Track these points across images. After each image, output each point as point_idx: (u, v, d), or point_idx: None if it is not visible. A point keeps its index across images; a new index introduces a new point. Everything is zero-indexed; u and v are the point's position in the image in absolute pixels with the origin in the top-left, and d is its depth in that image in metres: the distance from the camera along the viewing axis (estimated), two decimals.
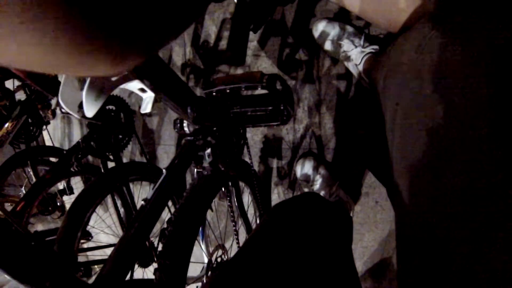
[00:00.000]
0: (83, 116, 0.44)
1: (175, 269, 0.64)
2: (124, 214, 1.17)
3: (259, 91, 0.53)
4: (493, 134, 0.31)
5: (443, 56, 0.37)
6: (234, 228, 0.76)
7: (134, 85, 0.55)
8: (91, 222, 1.52)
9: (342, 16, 1.00)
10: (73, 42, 0.14)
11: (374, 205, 1.06)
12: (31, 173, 1.50)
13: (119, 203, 1.20)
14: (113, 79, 0.43)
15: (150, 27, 0.19)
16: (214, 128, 0.62)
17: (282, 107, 0.54)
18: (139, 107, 1.43)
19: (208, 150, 0.64)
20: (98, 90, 0.40)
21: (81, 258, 1.64)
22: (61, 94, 0.44)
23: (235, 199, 0.87)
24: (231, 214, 0.75)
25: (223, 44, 1.22)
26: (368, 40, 0.95)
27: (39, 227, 2.38)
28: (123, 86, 0.53)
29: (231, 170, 0.75)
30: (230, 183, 0.82)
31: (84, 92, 0.39)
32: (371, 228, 1.07)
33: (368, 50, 0.95)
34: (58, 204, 1.57)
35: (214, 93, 0.53)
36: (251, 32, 1.16)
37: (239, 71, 1.20)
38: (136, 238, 0.57)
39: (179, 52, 1.34)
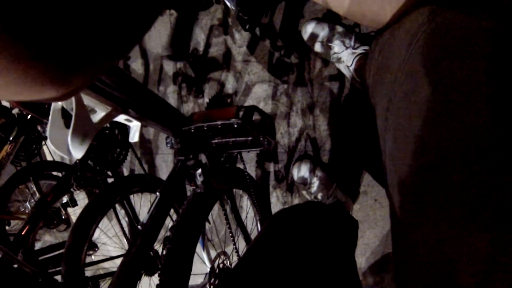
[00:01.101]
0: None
1: (175, 284, 0.68)
2: (128, 225, 1.21)
3: None
4: (493, 140, 0.29)
5: (438, 54, 0.33)
6: (231, 238, 0.80)
7: (120, 117, 0.57)
8: (96, 235, 1.57)
9: (331, 16, 1.00)
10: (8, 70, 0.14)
11: (373, 203, 1.08)
12: (34, 188, 1.55)
13: (122, 213, 1.24)
14: (96, 120, 0.46)
15: (87, 48, 0.17)
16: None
17: (261, 138, 0.56)
18: None
19: (199, 170, 0.66)
20: (83, 134, 0.43)
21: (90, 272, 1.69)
22: (50, 135, 0.47)
23: (231, 210, 0.89)
24: (228, 226, 0.78)
25: (213, 51, 1.23)
26: (358, 40, 0.96)
27: (47, 237, 2.45)
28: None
29: (224, 184, 0.77)
30: (224, 196, 0.85)
31: (69, 138, 0.41)
32: (371, 225, 1.10)
33: (359, 51, 0.95)
34: (63, 217, 1.62)
35: (192, 130, 0.55)
36: (240, 37, 1.17)
37: (230, 78, 1.22)
38: (137, 260, 0.60)
39: (170, 62, 1.36)
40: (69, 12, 0.14)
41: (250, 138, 0.57)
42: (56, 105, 0.50)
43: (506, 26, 0.31)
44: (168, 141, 0.70)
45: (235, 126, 0.50)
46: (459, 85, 0.32)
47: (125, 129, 1.13)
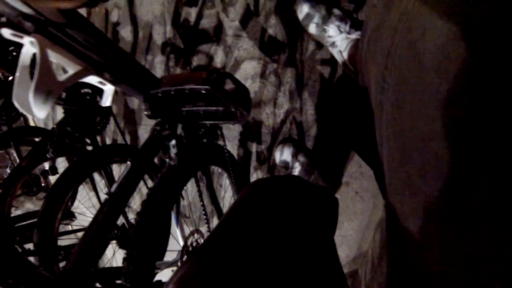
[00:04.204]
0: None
1: (142, 258, 0.69)
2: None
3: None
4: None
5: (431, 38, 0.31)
6: (204, 216, 0.81)
7: (92, 79, 0.57)
8: (76, 204, 1.58)
9: None
10: None
11: (354, 195, 1.10)
12: (15, 154, 1.55)
13: (103, 184, 1.25)
14: (62, 79, 0.46)
15: None
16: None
17: (233, 109, 0.56)
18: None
19: (173, 141, 0.67)
20: (46, 92, 0.43)
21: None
22: (15, 93, 0.47)
23: (206, 188, 0.91)
24: (201, 204, 0.79)
25: (204, 23, 1.22)
26: (355, 25, 0.95)
27: (29, 205, 2.47)
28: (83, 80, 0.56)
29: (200, 159, 0.78)
30: (200, 172, 0.86)
31: (30, 95, 0.42)
32: (350, 217, 1.12)
33: (354, 36, 0.95)
34: (42, 185, 1.63)
35: (159, 94, 0.55)
36: (233, 11, 1.16)
37: (220, 52, 1.21)
38: (101, 231, 0.61)
39: (160, 30, 1.34)
40: None
41: (221, 108, 0.57)
42: (24, 62, 0.50)
43: None
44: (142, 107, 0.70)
45: (203, 92, 0.50)
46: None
47: None
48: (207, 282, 0.39)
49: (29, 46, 0.49)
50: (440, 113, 0.31)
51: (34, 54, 0.48)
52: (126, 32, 1.48)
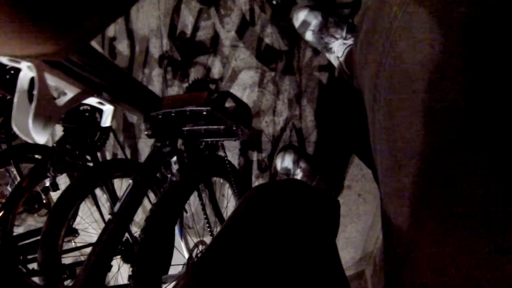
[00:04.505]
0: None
1: (148, 275, 0.69)
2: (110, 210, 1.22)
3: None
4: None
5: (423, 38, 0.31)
6: (208, 229, 0.81)
7: (91, 100, 0.57)
8: (78, 220, 1.58)
9: (324, 4, 0.99)
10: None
11: (357, 198, 1.10)
12: (15, 172, 1.55)
13: (105, 198, 1.25)
14: (61, 103, 0.46)
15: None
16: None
17: (234, 128, 0.56)
18: None
19: (174, 158, 0.67)
20: (45, 118, 0.43)
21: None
22: (14, 120, 0.47)
23: (209, 200, 0.90)
24: (205, 216, 0.79)
25: (201, 34, 1.22)
26: (351, 30, 0.95)
27: (31, 221, 2.46)
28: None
29: (202, 173, 0.78)
30: (203, 185, 0.86)
31: (30, 121, 0.42)
32: (353, 220, 1.12)
33: (350, 42, 0.95)
34: (44, 202, 1.62)
35: (160, 116, 0.55)
36: (229, 21, 1.16)
37: (217, 63, 1.21)
38: (106, 251, 0.61)
39: (156, 43, 1.35)
40: None
41: (222, 127, 0.57)
42: (22, 86, 0.50)
43: None
44: (142, 128, 0.71)
45: (204, 113, 0.50)
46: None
47: None
48: None
49: (26, 71, 0.49)
50: (430, 124, 0.32)
51: (32, 78, 0.48)
52: (122, 47, 1.48)
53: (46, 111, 0.42)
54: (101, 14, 0.22)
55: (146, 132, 0.57)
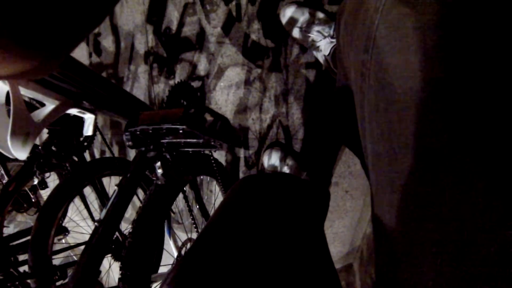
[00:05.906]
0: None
1: (137, 278, 0.70)
2: (100, 208, 1.23)
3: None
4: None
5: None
6: (195, 228, 0.82)
7: (71, 110, 0.57)
8: (67, 219, 1.58)
9: (312, 1, 0.98)
10: None
11: (344, 194, 1.12)
12: (2, 171, 1.54)
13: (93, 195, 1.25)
14: (39, 118, 0.46)
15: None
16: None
17: (212, 142, 0.56)
18: None
19: (159, 163, 0.67)
20: (24, 135, 0.43)
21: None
22: None
23: (195, 200, 0.91)
24: (191, 217, 0.80)
25: (186, 30, 1.21)
26: None
27: (21, 218, 2.46)
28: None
29: (187, 175, 0.79)
30: (188, 186, 0.86)
31: (8, 140, 0.41)
32: (341, 215, 1.14)
33: None
34: (32, 200, 1.61)
35: (138, 132, 0.56)
36: (215, 17, 1.15)
37: (203, 59, 1.20)
38: (93, 260, 0.62)
39: (141, 40, 1.33)
40: None
41: (201, 140, 0.57)
42: None
43: None
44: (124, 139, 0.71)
45: (180, 132, 0.50)
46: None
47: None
48: (192, 283, 0.39)
49: (1, 84, 0.48)
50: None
51: (8, 91, 0.48)
52: (107, 43, 1.46)
53: (23, 129, 0.42)
54: (73, 27, 0.22)
55: (127, 143, 0.57)
